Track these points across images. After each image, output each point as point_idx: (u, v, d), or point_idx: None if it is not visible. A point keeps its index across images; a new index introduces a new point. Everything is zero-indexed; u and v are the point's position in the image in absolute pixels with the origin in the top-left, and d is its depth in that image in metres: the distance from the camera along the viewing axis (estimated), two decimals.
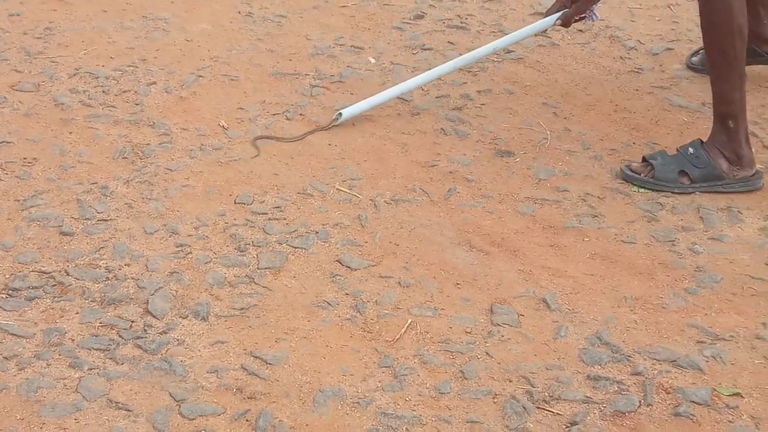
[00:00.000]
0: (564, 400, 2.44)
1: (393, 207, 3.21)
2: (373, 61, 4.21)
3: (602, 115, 3.84)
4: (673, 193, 3.30)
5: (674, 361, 2.57)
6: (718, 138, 3.33)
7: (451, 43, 4.39)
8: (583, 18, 3.81)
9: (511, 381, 2.50)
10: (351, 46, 4.34)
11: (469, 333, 2.67)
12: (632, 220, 3.18)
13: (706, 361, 2.58)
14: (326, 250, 2.99)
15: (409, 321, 2.71)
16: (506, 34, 4.44)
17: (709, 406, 2.43)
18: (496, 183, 3.36)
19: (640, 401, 2.44)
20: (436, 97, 3.91)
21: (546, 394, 2.46)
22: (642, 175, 3.37)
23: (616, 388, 2.48)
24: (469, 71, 4.12)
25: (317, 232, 3.07)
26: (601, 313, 2.76)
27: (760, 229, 3.13)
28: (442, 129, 3.69)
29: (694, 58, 4.21)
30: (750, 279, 2.90)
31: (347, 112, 3.72)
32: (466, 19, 4.64)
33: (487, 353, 2.60)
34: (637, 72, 4.18)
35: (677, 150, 3.37)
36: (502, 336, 2.66)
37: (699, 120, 3.77)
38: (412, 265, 2.94)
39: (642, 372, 2.53)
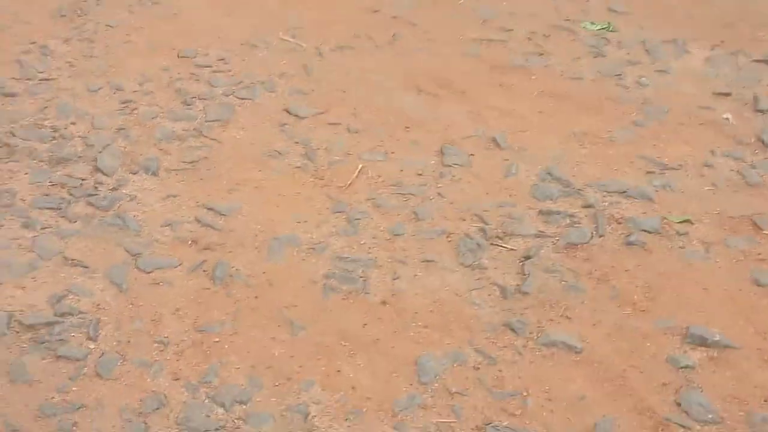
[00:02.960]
0: (517, 235, 2.46)
1: (338, 54, 3.18)
2: None
3: None
4: None
5: (624, 192, 2.60)
6: None
7: None
8: None
9: (464, 220, 2.52)
10: None
11: (420, 175, 2.68)
12: (578, 56, 3.17)
13: (656, 191, 2.60)
14: (273, 101, 2.97)
15: (360, 166, 2.71)
16: None
17: (660, 234, 2.46)
18: (440, 26, 3.33)
19: (592, 233, 2.47)
20: None
21: (499, 230, 2.48)
22: None
23: (568, 221, 2.51)
24: None
25: (263, 83, 3.04)
26: (551, 149, 2.77)
27: (705, 59, 3.14)
28: None
29: None
30: (697, 109, 2.92)
31: None
32: None
33: (439, 194, 2.60)
34: None
35: None
36: (454, 176, 2.67)
37: None
38: (360, 112, 2.93)
39: (593, 204, 2.55)
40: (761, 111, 2.89)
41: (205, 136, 2.81)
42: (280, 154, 2.75)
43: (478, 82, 3.06)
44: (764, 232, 2.46)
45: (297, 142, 2.80)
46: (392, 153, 2.76)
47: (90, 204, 2.55)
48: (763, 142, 2.77)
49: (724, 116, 2.87)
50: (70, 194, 2.58)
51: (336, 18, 3.37)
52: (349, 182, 2.65)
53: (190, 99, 2.95)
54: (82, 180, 2.63)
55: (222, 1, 3.45)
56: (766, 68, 3.08)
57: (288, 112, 2.92)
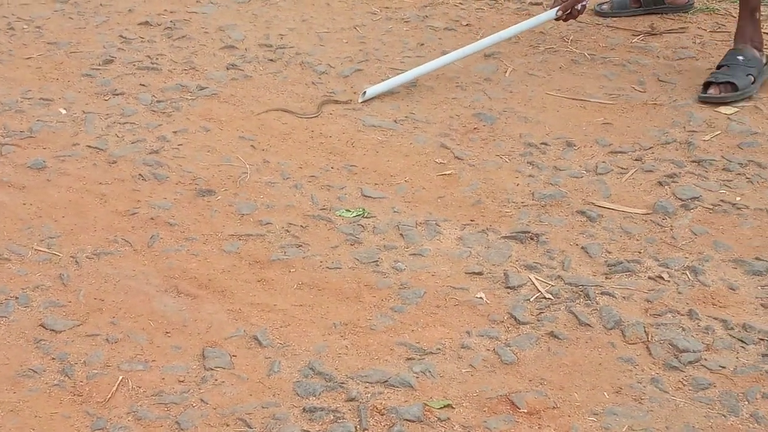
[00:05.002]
0: None
1: (95, 261, 3.14)
2: (64, 112, 4.11)
3: (299, 142, 3.87)
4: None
5: (386, 381, 2.62)
6: (746, 32, 4.04)
7: (143, 85, 4.34)
8: (584, 5, 4.23)
9: (228, 425, 2.49)
10: (40, 99, 4.22)
11: (182, 382, 2.64)
12: (336, 245, 3.22)
13: (417, 377, 2.64)
14: (28, 315, 2.90)
15: (120, 378, 2.66)
16: (198, 70, 4.44)
17: (422, 422, 2.49)
18: (199, 224, 3.34)
19: (356, 427, 2.47)
20: (132, 143, 3.85)
21: None
22: (724, 93, 3.94)
23: (332, 417, 2.51)
24: (163, 112, 4.09)
25: (17, 298, 2.97)
26: (313, 343, 2.78)
27: (457, 239, 3.24)
28: (140, 175, 3.64)
29: (604, 6, 4.83)
30: (452, 290, 3.00)
31: (372, 91, 4.17)
32: (157, 59, 4.59)
33: (202, 400, 2.57)
34: (330, 95, 4.25)
35: (727, 65, 3.98)
36: (216, 380, 2.65)
37: (393, 137, 3.86)
38: (119, 320, 2.88)
39: (356, 397, 2.57)
40: (511, 287, 2.98)
41: None
42: (35, 372, 2.68)
43: (239, 279, 3.06)
44: (521, 410, 2.52)
45: (54, 358, 2.73)
46: (153, 361, 2.73)
47: None
48: (515, 318, 2.86)
49: (477, 295, 2.96)
50: None
51: (92, 223, 3.34)
52: (108, 396, 2.59)
53: None
54: None
55: None
56: (514, 244, 3.19)
57: (44, 327, 2.85)
